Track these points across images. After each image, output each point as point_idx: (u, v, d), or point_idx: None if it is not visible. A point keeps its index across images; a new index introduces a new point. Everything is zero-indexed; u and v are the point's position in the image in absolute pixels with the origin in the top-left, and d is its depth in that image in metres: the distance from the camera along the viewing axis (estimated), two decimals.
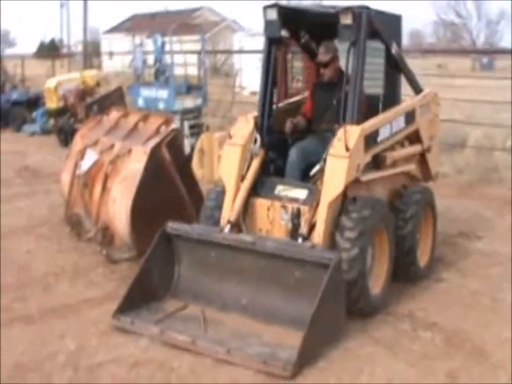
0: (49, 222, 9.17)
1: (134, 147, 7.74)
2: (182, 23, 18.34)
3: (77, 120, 16.07)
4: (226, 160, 6.71)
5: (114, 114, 8.82)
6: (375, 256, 6.40)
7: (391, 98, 7.17)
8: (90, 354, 5.48)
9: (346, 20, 6.26)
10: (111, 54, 39.47)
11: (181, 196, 7.72)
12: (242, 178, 6.59)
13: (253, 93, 21.90)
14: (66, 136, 15.84)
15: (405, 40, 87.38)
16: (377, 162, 6.76)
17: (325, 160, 6.21)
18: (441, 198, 10.64)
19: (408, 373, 5.26)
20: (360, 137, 6.22)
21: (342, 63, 6.91)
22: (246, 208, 6.55)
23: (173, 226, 6.36)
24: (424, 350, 5.64)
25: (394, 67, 7.22)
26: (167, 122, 7.87)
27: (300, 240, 6.07)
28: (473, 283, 7.17)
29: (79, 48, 45.56)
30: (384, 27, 6.80)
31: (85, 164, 8.09)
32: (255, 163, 6.64)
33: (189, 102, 13.82)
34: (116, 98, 15.23)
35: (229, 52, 35.91)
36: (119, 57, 34.68)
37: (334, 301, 5.63)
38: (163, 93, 13.94)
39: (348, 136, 6.13)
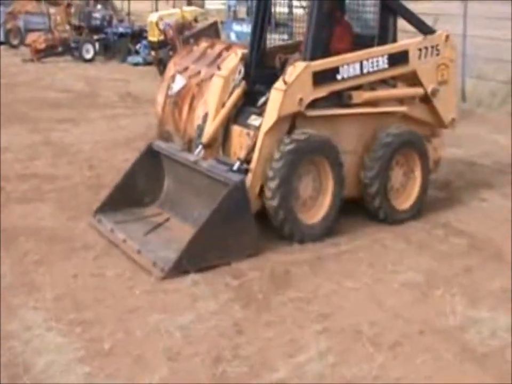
0: (145, 138, 10.42)
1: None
2: None
3: (176, 52, 17.14)
4: (211, 90, 7.41)
5: (202, 44, 9.92)
6: (315, 187, 6.73)
7: (384, 39, 7.20)
8: None
9: None
10: None
11: None
12: (223, 106, 7.12)
13: None
14: (165, 67, 16.92)
15: None
16: (342, 100, 6.90)
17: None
18: None
19: (430, 265, 6.23)
20: (304, 73, 6.49)
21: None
22: (227, 134, 7.17)
23: (157, 144, 7.23)
24: (450, 251, 6.59)
25: (386, 8, 7.22)
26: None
27: (237, 163, 6.53)
28: None
29: None
30: None
31: (176, 87, 9.28)
32: (236, 93, 7.13)
33: (275, 37, 14.64)
34: (211, 32, 16.05)
35: None
36: None
37: (236, 219, 6.03)
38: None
39: (291, 71, 6.52)
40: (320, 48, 6.84)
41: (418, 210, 7.40)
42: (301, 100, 6.51)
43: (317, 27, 6.72)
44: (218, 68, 7.55)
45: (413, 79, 7.37)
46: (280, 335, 4.95)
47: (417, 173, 7.37)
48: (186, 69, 9.54)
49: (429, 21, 7.93)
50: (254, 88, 7.20)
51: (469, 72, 13.57)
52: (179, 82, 9.26)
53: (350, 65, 6.81)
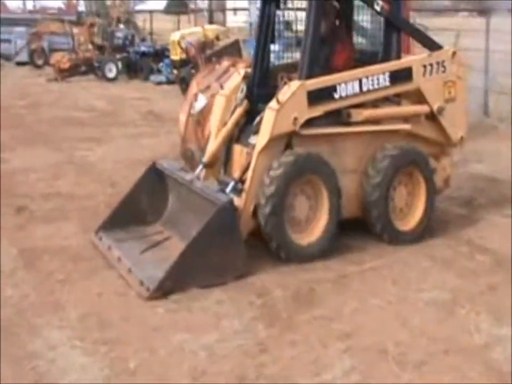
0: (167, 157, 10.48)
1: None
2: None
3: (198, 71, 17.25)
4: (214, 109, 7.42)
5: (225, 63, 9.99)
6: (311, 207, 6.61)
7: (387, 55, 7.04)
8: None
9: None
10: (235, 10, 40.50)
11: None
12: (225, 125, 7.11)
13: None
14: (187, 86, 17.03)
15: None
16: (341, 118, 6.79)
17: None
18: None
19: (455, 283, 6.17)
20: (298, 92, 6.38)
21: None
22: (229, 154, 7.15)
23: (161, 162, 7.22)
24: (475, 268, 6.51)
25: (389, 25, 7.04)
26: None
27: (231, 183, 6.53)
28: None
29: (206, 3, 46.77)
30: None
31: (198, 105, 9.32)
32: (238, 112, 7.07)
33: (298, 55, 14.73)
34: (233, 50, 16.17)
35: None
36: (244, 13, 35.68)
37: (224, 240, 5.95)
38: (273, 46, 14.84)
39: (285, 90, 6.43)
40: (318, 66, 6.71)
41: (423, 231, 7.21)
42: (295, 119, 6.41)
43: (312, 46, 6.57)
44: (221, 87, 7.52)
45: (418, 97, 7.18)
46: (305, 354, 4.92)
47: (422, 193, 7.14)
48: (208, 87, 9.58)
49: (451, 36, 7.90)
50: (256, 107, 7.09)
51: (492, 87, 13.51)
52: (201, 101, 9.31)
53: (348, 83, 6.65)
